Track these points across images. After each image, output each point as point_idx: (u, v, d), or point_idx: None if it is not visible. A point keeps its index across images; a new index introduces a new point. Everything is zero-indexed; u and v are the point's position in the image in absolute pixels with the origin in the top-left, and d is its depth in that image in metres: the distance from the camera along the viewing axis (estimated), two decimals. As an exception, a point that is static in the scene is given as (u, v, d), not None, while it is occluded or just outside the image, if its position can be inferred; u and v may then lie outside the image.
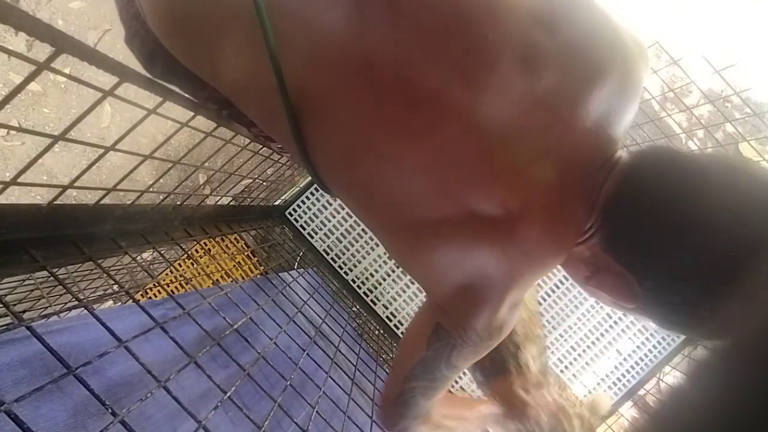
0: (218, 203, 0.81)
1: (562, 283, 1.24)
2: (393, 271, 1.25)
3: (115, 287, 1.06)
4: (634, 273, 0.43)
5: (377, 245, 1.24)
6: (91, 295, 1.11)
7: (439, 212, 0.42)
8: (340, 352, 0.77)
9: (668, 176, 0.41)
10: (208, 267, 1.15)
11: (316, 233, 1.25)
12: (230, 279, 0.75)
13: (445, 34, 0.39)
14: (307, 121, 0.43)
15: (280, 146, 0.84)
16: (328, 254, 1.25)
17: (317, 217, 1.25)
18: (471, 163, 0.40)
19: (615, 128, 0.44)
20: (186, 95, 0.52)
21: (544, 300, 1.24)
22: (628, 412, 1.23)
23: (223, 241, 1.39)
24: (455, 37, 0.39)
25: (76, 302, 0.39)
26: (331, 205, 1.24)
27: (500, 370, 0.65)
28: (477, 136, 0.40)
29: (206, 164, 0.63)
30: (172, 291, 1.32)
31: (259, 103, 0.46)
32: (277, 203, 1.21)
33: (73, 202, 0.43)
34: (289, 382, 0.55)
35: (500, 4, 0.40)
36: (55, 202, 0.39)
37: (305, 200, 1.24)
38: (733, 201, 0.38)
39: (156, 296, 1.39)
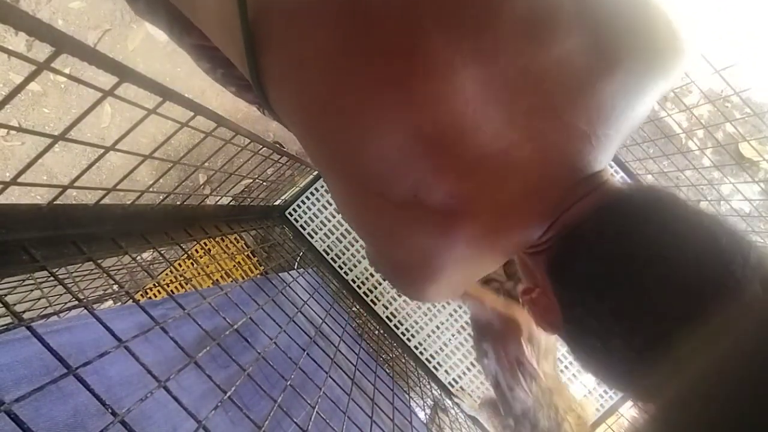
0: (218, 203, 0.81)
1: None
2: (393, 271, 1.25)
3: (115, 287, 1.06)
4: (561, 310, 0.39)
5: (377, 245, 1.24)
6: (91, 295, 1.11)
7: (389, 185, 0.37)
8: (340, 352, 0.77)
9: (637, 235, 0.35)
10: (208, 267, 1.15)
11: (316, 233, 1.25)
12: (230, 279, 0.75)
13: None
14: (264, 51, 0.38)
15: (279, 144, 0.84)
16: (328, 254, 1.25)
17: (317, 217, 1.25)
18: (434, 144, 0.35)
19: (609, 141, 0.38)
20: (168, 31, 0.51)
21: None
22: (628, 412, 1.23)
23: (223, 241, 1.39)
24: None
25: (76, 302, 0.39)
26: (331, 204, 1.24)
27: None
28: (450, 118, 0.34)
29: (206, 164, 0.63)
30: (172, 291, 1.32)
31: (221, 27, 0.41)
32: (277, 203, 1.21)
33: (73, 202, 0.43)
34: (289, 382, 0.55)
35: None
36: (55, 202, 0.39)
37: (305, 200, 1.24)
38: (686, 282, 0.32)
39: (156, 296, 1.39)
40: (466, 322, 1.21)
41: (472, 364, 1.22)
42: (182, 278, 1.25)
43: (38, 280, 0.86)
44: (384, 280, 1.23)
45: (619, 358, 0.35)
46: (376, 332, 1.22)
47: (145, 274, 1.18)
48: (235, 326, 0.54)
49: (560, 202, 0.38)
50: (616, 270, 0.35)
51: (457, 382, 1.23)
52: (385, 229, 0.40)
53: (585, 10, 0.35)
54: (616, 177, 1.21)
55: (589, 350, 0.38)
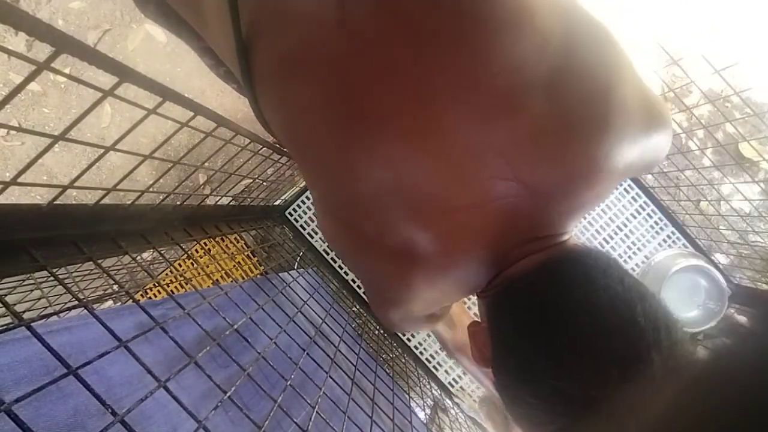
0: (218, 203, 0.81)
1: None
2: (393, 271, 1.25)
3: (115, 287, 1.06)
4: (491, 347, 0.43)
5: (377, 245, 1.24)
6: (91, 295, 1.11)
7: (359, 220, 0.39)
8: (340, 352, 0.77)
9: (562, 299, 0.37)
10: (208, 267, 1.15)
11: (316, 233, 1.25)
12: (230, 279, 0.75)
13: (434, 35, 0.34)
14: (257, 82, 0.40)
15: (278, 144, 0.84)
16: (328, 254, 1.25)
17: (317, 217, 1.25)
18: (401, 195, 0.37)
19: (571, 211, 0.40)
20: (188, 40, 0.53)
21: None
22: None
23: (223, 241, 1.39)
24: (450, 47, 0.34)
25: (76, 302, 0.39)
26: (331, 205, 1.24)
27: None
28: (420, 174, 0.36)
29: (206, 164, 0.63)
30: (172, 291, 1.32)
31: (220, 32, 0.43)
32: (277, 203, 1.21)
33: (73, 202, 0.43)
34: (289, 382, 0.55)
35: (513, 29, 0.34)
36: (55, 202, 0.39)
37: (305, 200, 1.24)
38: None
39: (156, 296, 1.39)
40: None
41: (472, 364, 1.22)
42: (182, 278, 1.25)
43: (38, 280, 0.86)
44: None
45: (526, 400, 0.38)
46: (376, 332, 1.22)
47: (145, 274, 1.18)
48: (235, 326, 0.54)
49: (510, 257, 0.41)
50: (535, 327, 0.38)
51: (456, 382, 1.23)
52: (351, 253, 0.44)
53: (558, 84, 0.35)
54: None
55: (507, 387, 0.41)
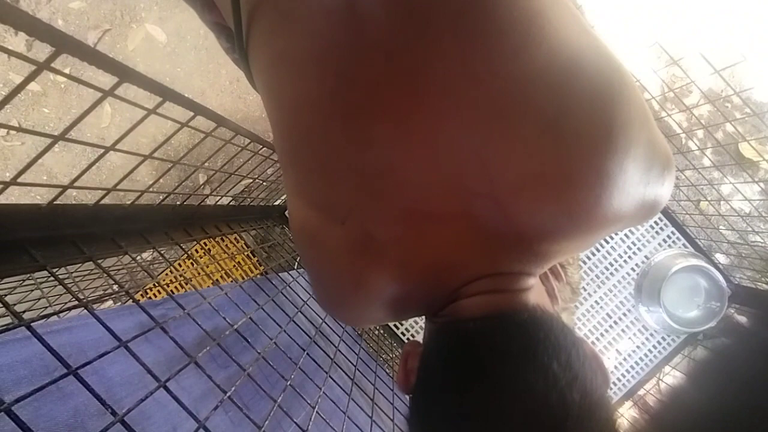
0: (218, 203, 0.81)
1: (562, 283, 1.24)
2: (393, 271, 1.25)
3: (115, 287, 1.06)
4: (414, 386, 0.39)
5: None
6: (91, 295, 1.11)
7: (329, 207, 0.37)
8: (340, 352, 0.77)
9: (492, 362, 0.33)
10: (208, 267, 1.15)
11: (316, 233, 1.24)
12: (230, 279, 0.75)
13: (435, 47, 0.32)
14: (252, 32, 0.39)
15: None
16: (328, 254, 1.25)
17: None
18: (371, 183, 0.35)
19: (546, 253, 0.36)
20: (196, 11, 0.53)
21: (544, 300, 1.24)
22: (628, 412, 1.23)
23: (223, 241, 1.39)
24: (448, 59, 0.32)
25: (76, 302, 0.39)
26: (331, 205, 1.24)
27: None
28: (395, 166, 0.34)
29: (206, 164, 0.63)
30: (172, 291, 1.32)
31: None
32: (277, 203, 1.21)
33: (73, 202, 0.43)
34: (289, 382, 0.55)
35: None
36: (55, 202, 0.39)
37: (305, 200, 1.24)
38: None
39: (156, 296, 1.39)
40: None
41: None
42: (182, 278, 1.25)
43: (38, 280, 0.86)
44: None
45: None
46: (376, 332, 1.21)
47: (145, 274, 1.18)
48: (235, 326, 0.54)
49: (468, 289, 0.37)
50: (459, 384, 0.34)
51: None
52: (308, 239, 0.40)
53: (562, 120, 0.32)
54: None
55: (414, 426, 0.37)
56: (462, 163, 0.33)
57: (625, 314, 1.24)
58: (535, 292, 0.39)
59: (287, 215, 1.23)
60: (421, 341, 0.44)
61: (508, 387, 0.32)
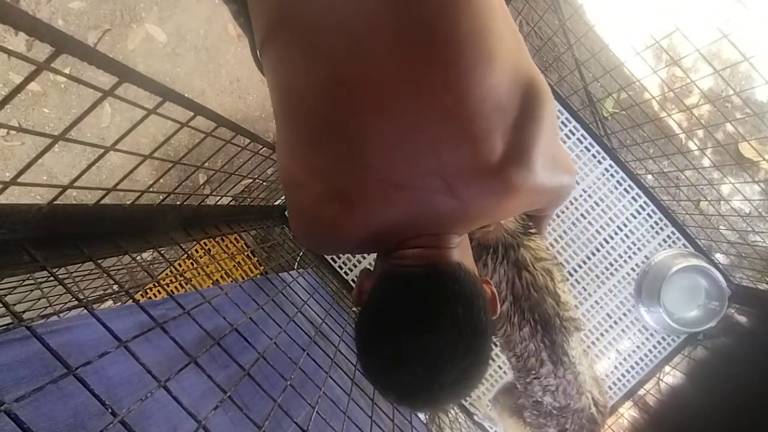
0: (218, 203, 0.81)
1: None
2: (393, 271, 1.25)
3: (115, 287, 1.06)
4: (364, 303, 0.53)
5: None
6: (91, 295, 1.11)
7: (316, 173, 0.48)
8: (340, 352, 0.77)
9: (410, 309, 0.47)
10: (208, 267, 1.15)
11: (316, 233, 1.24)
12: (230, 279, 0.75)
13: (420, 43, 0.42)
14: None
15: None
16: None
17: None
18: (351, 152, 0.45)
19: (471, 217, 0.49)
20: None
21: (544, 300, 1.24)
22: (628, 412, 1.23)
23: (223, 241, 1.39)
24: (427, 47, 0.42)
25: (76, 302, 0.39)
26: (331, 205, 1.24)
27: None
28: (375, 141, 0.45)
29: (206, 164, 0.63)
30: (172, 291, 1.32)
31: None
32: (277, 203, 1.21)
33: (73, 202, 0.43)
34: (289, 382, 0.55)
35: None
36: (55, 202, 0.39)
37: (305, 200, 1.24)
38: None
39: (156, 296, 1.39)
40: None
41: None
42: (182, 278, 1.25)
43: (38, 280, 0.86)
44: None
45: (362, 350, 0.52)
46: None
47: (145, 274, 1.18)
48: (235, 326, 0.54)
49: (410, 240, 0.50)
50: (392, 316, 0.47)
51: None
52: (295, 188, 0.50)
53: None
54: (614, 178, 1.21)
55: (358, 332, 0.51)
56: (422, 149, 0.44)
57: (625, 314, 1.24)
58: (460, 248, 0.52)
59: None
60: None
61: (424, 314, 0.46)
